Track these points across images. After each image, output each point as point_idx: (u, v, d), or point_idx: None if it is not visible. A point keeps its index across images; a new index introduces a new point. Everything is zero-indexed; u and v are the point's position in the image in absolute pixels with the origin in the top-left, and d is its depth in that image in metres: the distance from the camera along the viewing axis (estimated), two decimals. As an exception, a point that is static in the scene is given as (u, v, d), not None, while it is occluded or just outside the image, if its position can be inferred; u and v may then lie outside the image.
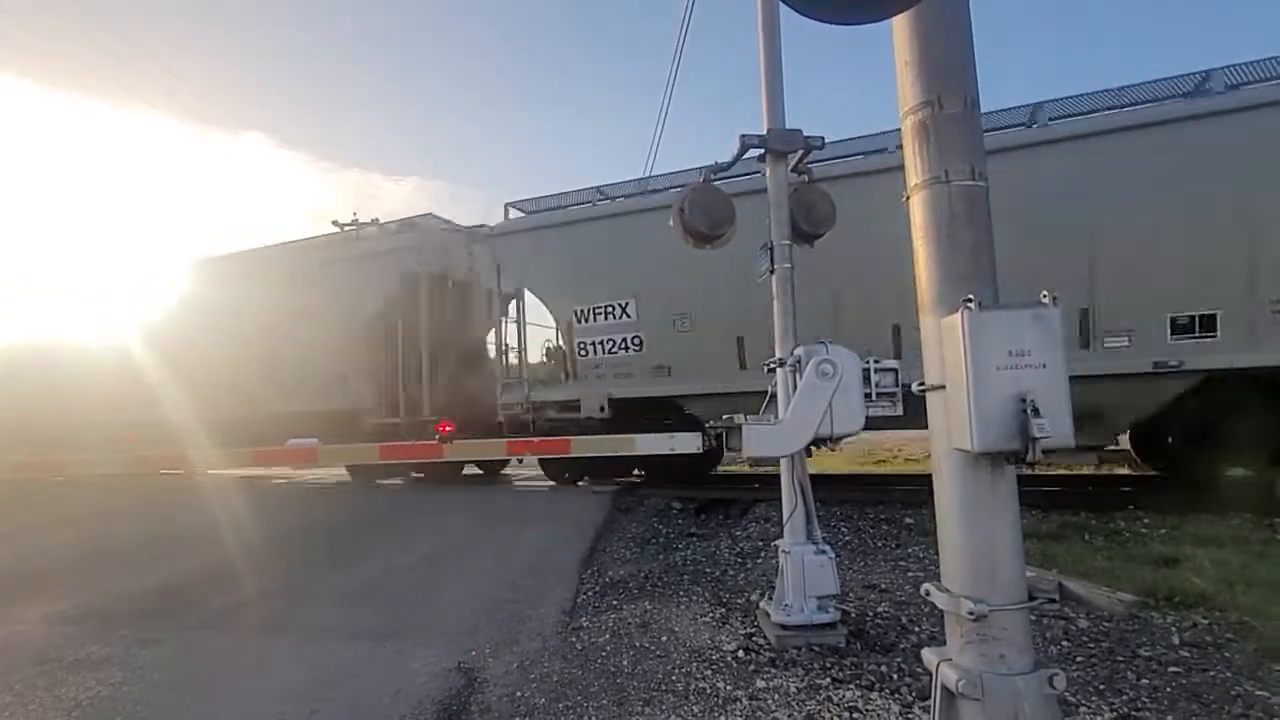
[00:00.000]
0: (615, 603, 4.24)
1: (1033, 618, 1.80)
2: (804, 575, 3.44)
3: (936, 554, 1.90)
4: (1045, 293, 1.69)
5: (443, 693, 3.00)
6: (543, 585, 4.66)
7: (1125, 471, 8.89)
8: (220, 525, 6.80)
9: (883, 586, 4.31)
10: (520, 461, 9.76)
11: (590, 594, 4.47)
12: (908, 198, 1.91)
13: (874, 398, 3.19)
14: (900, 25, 1.91)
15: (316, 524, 7.51)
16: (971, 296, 1.66)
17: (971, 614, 1.67)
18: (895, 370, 3.29)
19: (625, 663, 3.27)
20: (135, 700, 3.08)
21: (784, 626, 3.41)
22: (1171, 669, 2.96)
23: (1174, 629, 3.37)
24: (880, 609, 3.88)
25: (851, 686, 2.89)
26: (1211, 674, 2.89)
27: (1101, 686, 2.82)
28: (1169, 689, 2.78)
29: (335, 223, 10.93)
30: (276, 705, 2.96)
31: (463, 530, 6.68)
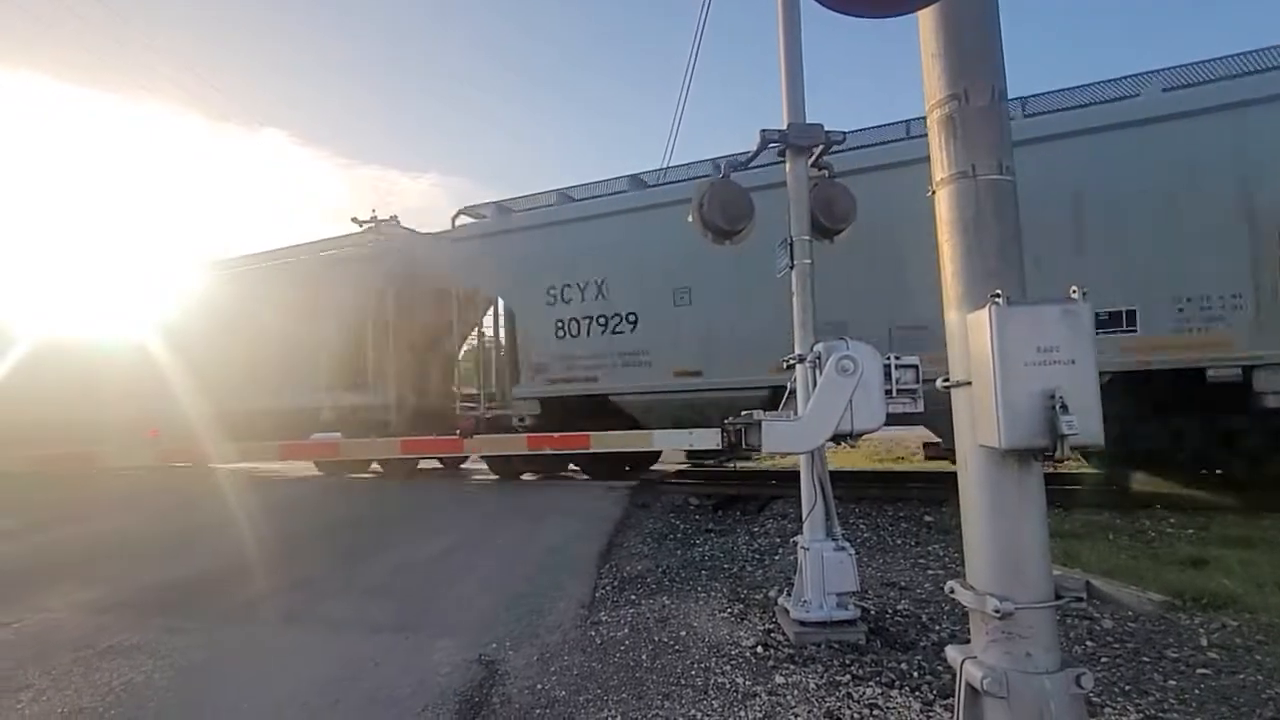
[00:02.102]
0: (633, 597, 4.25)
1: (1058, 617, 1.78)
2: (823, 572, 3.42)
3: (957, 552, 1.89)
4: (1075, 289, 1.67)
5: (464, 684, 3.04)
6: (560, 580, 4.69)
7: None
8: (240, 519, 6.92)
9: (902, 584, 4.28)
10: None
11: (608, 589, 4.49)
12: (933, 192, 1.89)
13: (894, 394, 3.16)
14: (926, 18, 1.89)
15: (334, 519, 7.61)
16: (999, 292, 1.64)
17: (997, 612, 1.66)
18: (916, 366, 3.25)
19: (644, 657, 3.29)
20: (166, 687, 3.16)
21: (803, 623, 3.40)
22: (1200, 671, 2.91)
23: (1202, 630, 3.31)
24: (900, 606, 3.86)
25: (872, 684, 2.88)
26: (1241, 677, 2.84)
27: (1127, 687, 2.78)
28: (1197, 691, 2.74)
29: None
30: (301, 694, 3.01)
31: (479, 526, 6.74)
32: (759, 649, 3.30)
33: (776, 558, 5.02)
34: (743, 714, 2.68)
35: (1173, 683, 2.82)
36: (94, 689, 3.14)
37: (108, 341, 10.80)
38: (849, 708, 2.68)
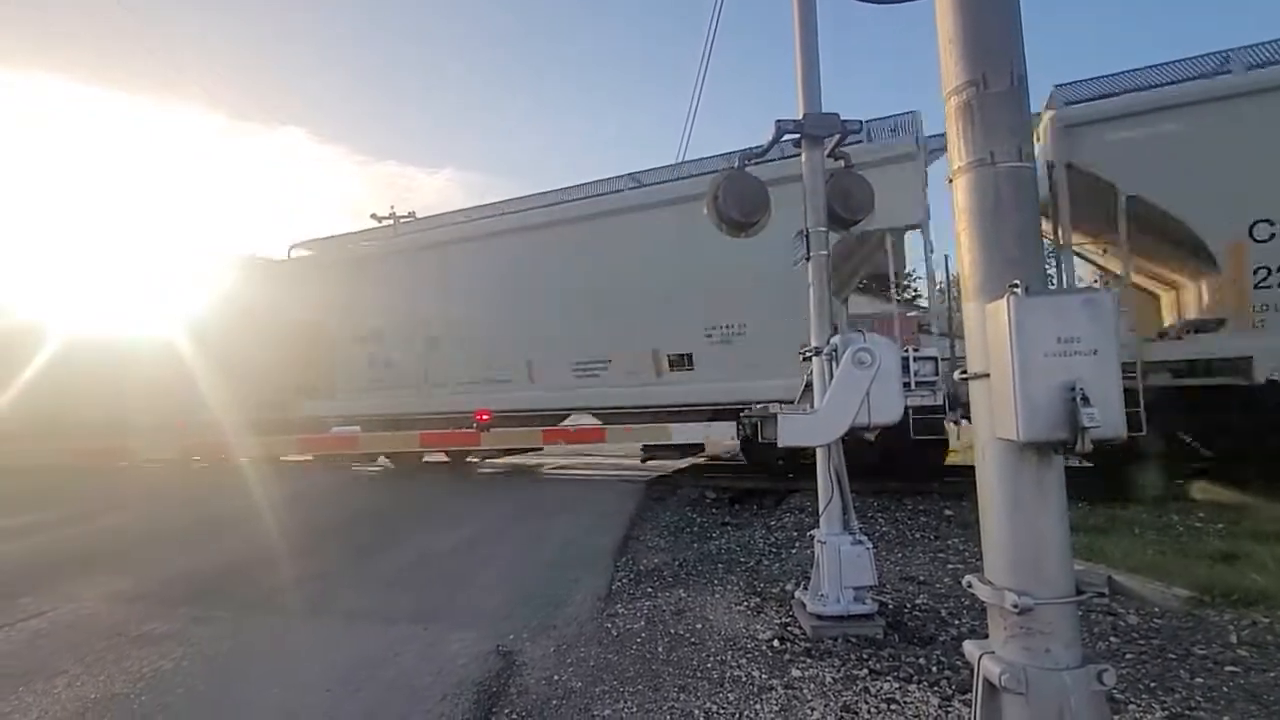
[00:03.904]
0: (650, 590, 4.26)
1: (1079, 612, 1.75)
2: (840, 566, 3.40)
3: (976, 547, 1.86)
4: (1096, 278, 1.63)
5: (482, 674, 3.08)
6: (577, 572, 4.72)
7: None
8: (263, 511, 7.06)
9: (921, 579, 4.24)
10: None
11: (625, 581, 4.51)
12: (951, 180, 1.86)
13: (913, 386, 3.13)
14: (943, 2, 1.85)
15: (355, 511, 7.73)
16: (1018, 281, 1.61)
17: (1015, 607, 1.63)
18: (935, 359, 3.22)
19: (660, 649, 3.30)
20: (193, 674, 3.23)
21: (820, 617, 3.39)
22: (1228, 668, 2.85)
23: (1231, 627, 3.24)
24: (919, 601, 3.83)
25: (889, 678, 2.86)
26: (1272, 675, 2.77)
27: (1152, 684, 2.73)
28: (1225, 689, 2.68)
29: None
30: (323, 682, 3.07)
31: (498, 519, 6.80)
32: (775, 642, 3.29)
33: (793, 551, 5.00)
34: (759, 707, 2.67)
35: (1200, 680, 2.76)
36: (125, 675, 3.23)
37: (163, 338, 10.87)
38: (866, 702, 2.67)
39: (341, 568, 5.11)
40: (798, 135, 3.68)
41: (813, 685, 2.83)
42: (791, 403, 3.72)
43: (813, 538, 3.68)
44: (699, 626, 3.57)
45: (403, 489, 9.47)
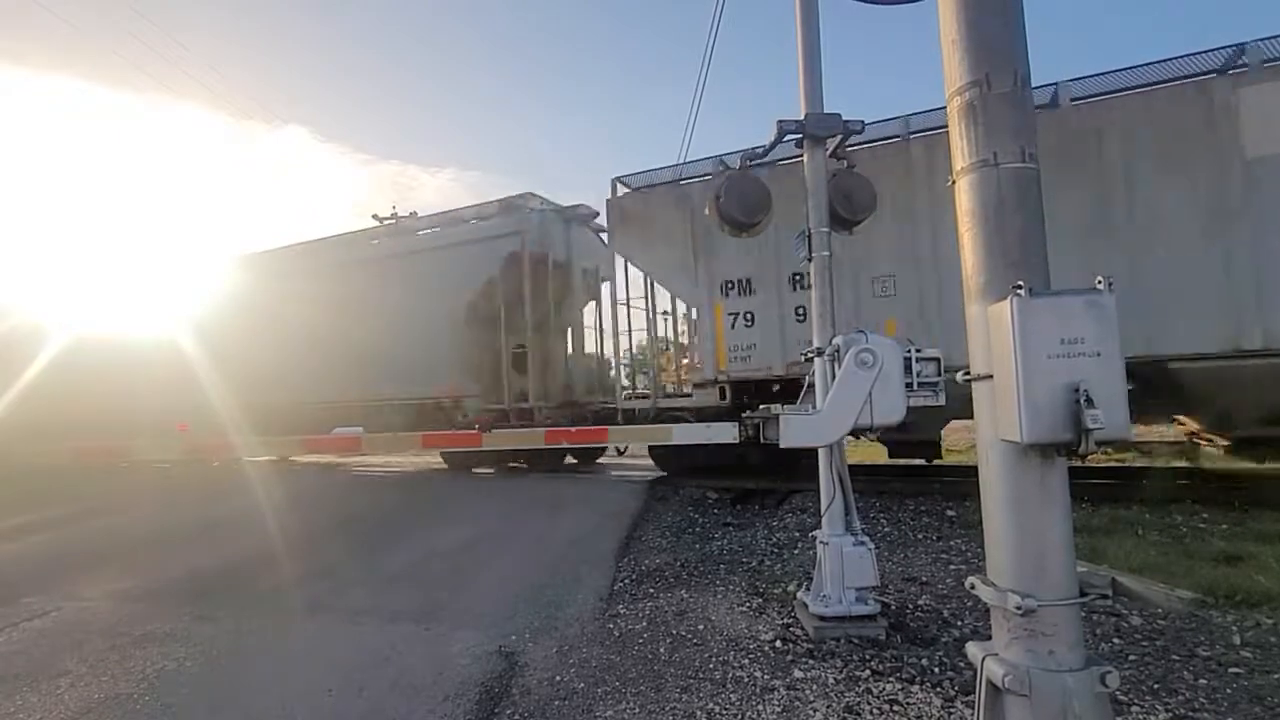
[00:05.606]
0: (652, 590, 4.26)
1: (1082, 614, 1.75)
2: (842, 566, 3.40)
3: (979, 547, 1.86)
4: (1100, 278, 1.63)
5: (484, 674, 3.08)
6: (579, 572, 4.72)
7: (1184, 464, 8.50)
8: (267, 511, 7.06)
9: (924, 579, 4.23)
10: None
11: (627, 581, 4.51)
12: (954, 181, 1.86)
13: (915, 387, 3.12)
14: (946, 3, 1.85)
15: (358, 511, 7.74)
16: (1021, 283, 1.61)
17: (1019, 609, 1.63)
18: (938, 359, 3.21)
19: (662, 650, 3.30)
20: (197, 674, 3.24)
21: (822, 618, 3.38)
22: (1232, 670, 2.84)
23: (1235, 628, 3.23)
24: (921, 602, 3.82)
25: (892, 679, 2.85)
26: (1276, 676, 2.76)
27: (1156, 686, 2.73)
28: (1229, 690, 2.67)
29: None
30: (326, 682, 3.07)
31: (499, 519, 6.80)
32: (778, 643, 3.29)
33: (795, 552, 4.99)
34: (761, 708, 2.67)
35: (1203, 681, 2.75)
36: (129, 675, 3.24)
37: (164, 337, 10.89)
38: (868, 703, 2.66)
39: (345, 567, 5.11)
40: (799, 135, 3.67)
41: (815, 686, 2.83)
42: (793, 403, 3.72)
43: (815, 538, 3.67)
44: (701, 627, 3.57)
45: (404, 488, 9.48)
